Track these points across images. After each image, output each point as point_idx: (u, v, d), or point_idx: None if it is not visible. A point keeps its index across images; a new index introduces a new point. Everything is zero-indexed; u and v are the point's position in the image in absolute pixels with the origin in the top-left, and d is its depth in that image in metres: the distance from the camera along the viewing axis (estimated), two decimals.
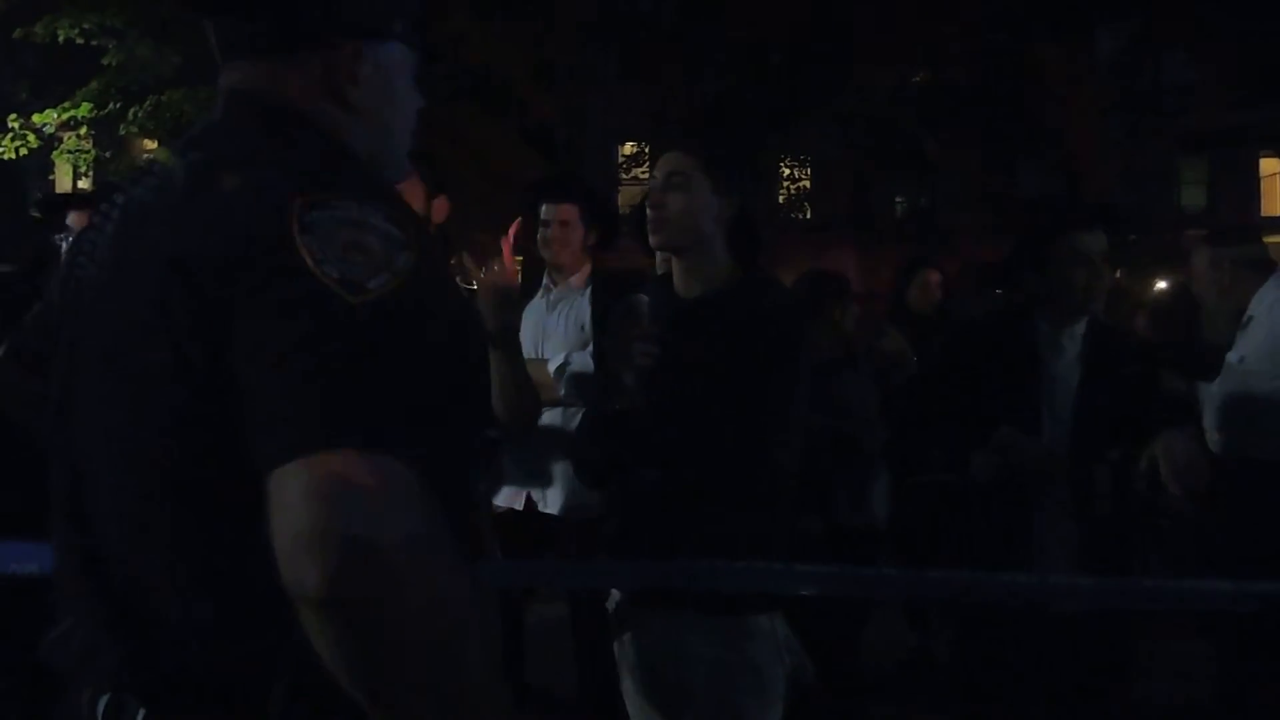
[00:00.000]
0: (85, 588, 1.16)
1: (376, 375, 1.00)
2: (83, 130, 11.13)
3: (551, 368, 3.51)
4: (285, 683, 1.05)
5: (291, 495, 0.94)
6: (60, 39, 10.43)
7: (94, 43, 10.66)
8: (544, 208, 3.73)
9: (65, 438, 1.20)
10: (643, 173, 15.00)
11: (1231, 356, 3.69)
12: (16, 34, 10.58)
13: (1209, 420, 3.68)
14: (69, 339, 1.21)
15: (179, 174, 1.15)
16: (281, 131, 1.19)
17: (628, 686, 2.39)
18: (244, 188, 1.08)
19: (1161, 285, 10.23)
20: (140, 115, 10.63)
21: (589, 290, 3.69)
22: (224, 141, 1.20)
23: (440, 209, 2.93)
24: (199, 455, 1.06)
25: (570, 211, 3.70)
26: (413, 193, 2.68)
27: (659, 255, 3.14)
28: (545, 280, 3.83)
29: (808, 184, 22.50)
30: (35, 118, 10.63)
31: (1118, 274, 3.41)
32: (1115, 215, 3.76)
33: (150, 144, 12.76)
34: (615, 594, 2.45)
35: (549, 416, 3.40)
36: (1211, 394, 3.70)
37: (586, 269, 3.75)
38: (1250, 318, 3.69)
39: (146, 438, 1.09)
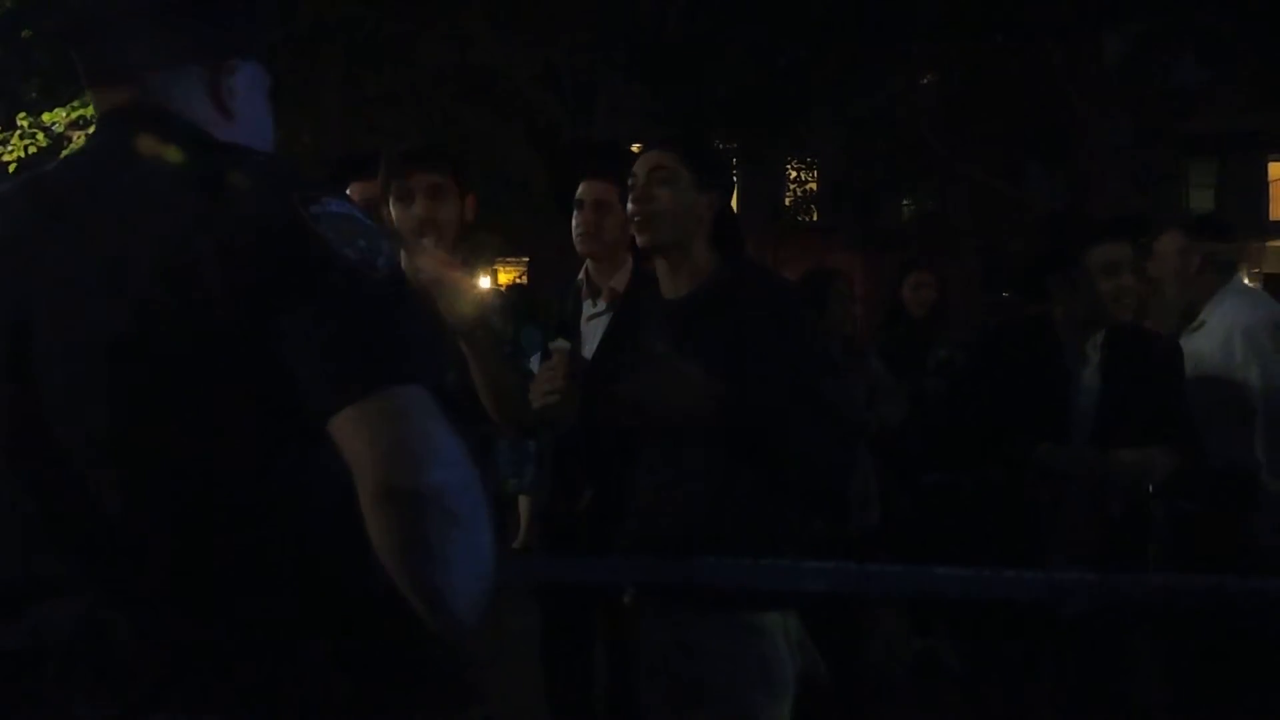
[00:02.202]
0: (54, 541, 1.27)
1: (405, 330, 1.24)
2: (92, 129, 11.14)
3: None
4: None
5: (385, 416, 1.19)
6: None
7: None
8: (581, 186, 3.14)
9: (18, 415, 1.27)
10: None
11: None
12: (25, 33, 10.61)
13: None
14: (8, 315, 1.28)
15: (150, 175, 1.32)
16: (197, 137, 1.37)
17: (639, 682, 2.39)
18: (237, 189, 1.25)
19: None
20: None
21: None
22: (163, 150, 1.35)
23: (471, 207, 2.80)
24: (219, 408, 1.22)
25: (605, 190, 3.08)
26: (371, 190, 2.66)
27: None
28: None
29: (814, 186, 22.50)
30: (44, 116, 10.62)
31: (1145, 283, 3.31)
32: (1142, 225, 3.69)
33: None
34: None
35: None
36: None
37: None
38: (1202, 322, 3.53)
39: (175, 401, 1.23)
